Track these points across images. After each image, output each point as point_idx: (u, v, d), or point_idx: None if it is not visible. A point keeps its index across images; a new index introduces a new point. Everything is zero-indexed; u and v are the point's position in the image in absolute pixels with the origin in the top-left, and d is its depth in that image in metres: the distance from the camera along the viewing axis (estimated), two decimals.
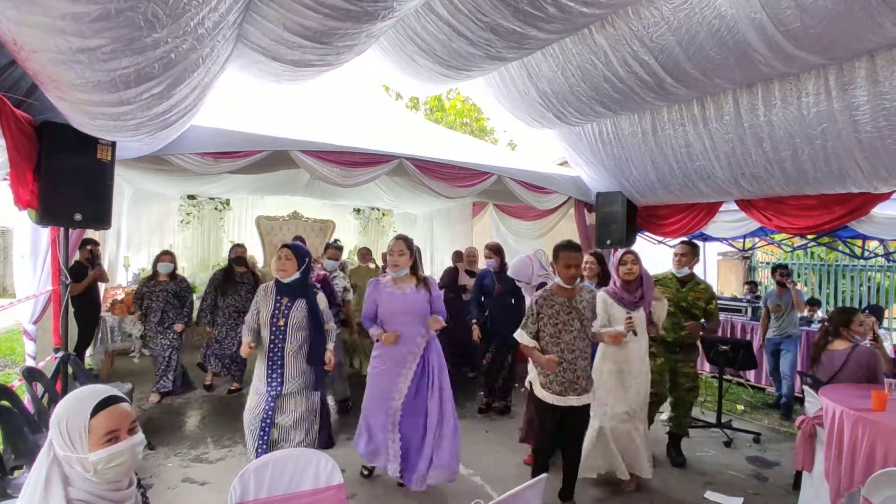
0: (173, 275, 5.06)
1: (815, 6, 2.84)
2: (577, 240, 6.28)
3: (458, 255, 6.34)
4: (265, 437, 3.00)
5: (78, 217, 3.37)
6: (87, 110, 2.70)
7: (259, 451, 2.98)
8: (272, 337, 3.02)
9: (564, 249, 2.94)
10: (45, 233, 3.67)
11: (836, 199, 4.19)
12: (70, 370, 3.59)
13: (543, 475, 1.80)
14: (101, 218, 3.55)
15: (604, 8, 3.44)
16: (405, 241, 3.40)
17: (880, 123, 3.37)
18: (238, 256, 5.32)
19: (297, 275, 3.08)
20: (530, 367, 3.09)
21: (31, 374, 3.25)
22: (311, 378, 3.13)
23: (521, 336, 2.98)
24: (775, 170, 4.19)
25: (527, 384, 3.09)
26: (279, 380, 3.01)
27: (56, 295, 3.72)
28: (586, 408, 3.01)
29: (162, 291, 4.92)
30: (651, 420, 3.90)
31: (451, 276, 6.00)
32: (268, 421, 3.00)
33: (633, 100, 4.36)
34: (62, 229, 3.52)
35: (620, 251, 3.54)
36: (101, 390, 1.35)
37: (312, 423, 3.17)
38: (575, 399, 2.91)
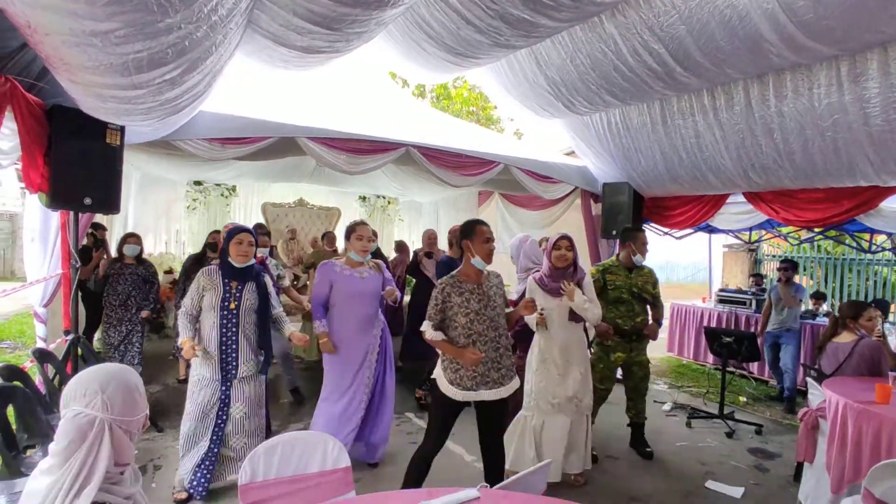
0: (140, 259, 4.86)
1: None
2: (582, 230, 6.33)
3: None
4: (220, 432, 2.97)
5: (87, 201, 3.39)
6: (98, 93, 2.70)
7: (213, 447, 2.95)
8: (223, 321, 2.96)
9: (479, 224, 2.69)
10: (55, 216, 3.70)
11: (844, 192, 4.17)
12: (80, 352, 3.64)
13: (548, 460, 1.82)
14: (110, 202, 3.57)
15: None
16: (369, 225, 3.59)
17: (891, 116, 3.34)
18: (213, 242, 5.21)
19: (252, 259, 3.10)
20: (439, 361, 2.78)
21: (42, 356, 3.29)
22: (261, 361, 3.12)
23: (427, 329, 2.65)
24: (785, 162, 4.17)
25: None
26: (234, 364, 2.98)
27: (66, 278, 3.76)
28: (504, 402, 2.71)
29: (131, 275, 4.68)
30: (594, 415, 3.78)
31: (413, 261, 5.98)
32: (224, 410, 2.98)
33: (643, 89, 4.34)
34: (72, 213, 3.55)
35: (555, 236, 3.35)
36: (113, 364, 1.40)
37: (262, 409, 3.17)
38: (487, 393, 2.61)
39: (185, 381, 4.95)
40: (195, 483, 2.93)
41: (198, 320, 3.01)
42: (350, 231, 3.48)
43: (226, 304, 2.97)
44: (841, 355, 3.28)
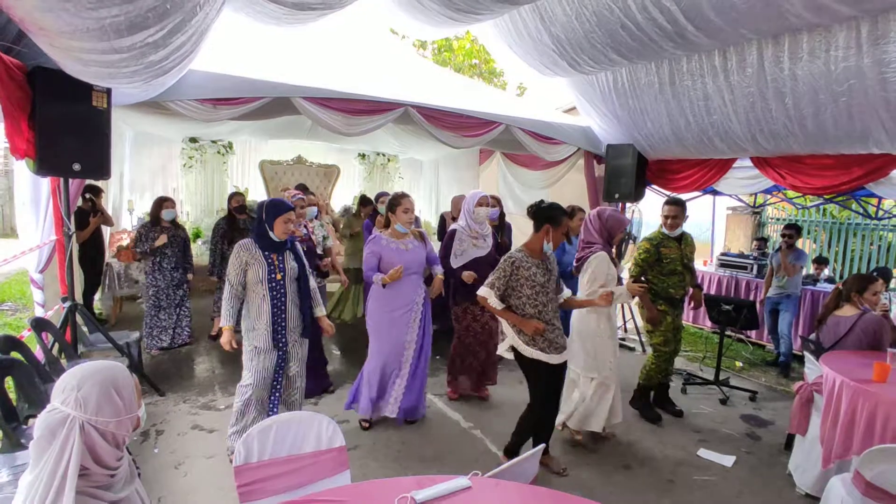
0: (175, 222, 4.99)
1: None
2: (584, 191, 6.23)
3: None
4: (278, 394, 3.15)
5: (76, 167, 3.30)
6: (79, 57, 2.58)
7: (273, 409, 3.10)
8: (273, 293, 3.03)
9: (565, 216, 2.94)
10: (45, 181, 3.62)
11: (855, 159, 4.04)
12: (80, 319, 3.65)
13: (541, 445, 1.83)
14: (100, 167, 3.47)
15: None
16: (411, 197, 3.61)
17: None
18: (240, 205, 5.27)
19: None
20: (506, 329, 3.01)
21: (39, 325, 3.29)
22: (305, 325, 3.20)
23: (490, 296, 2.90)
24: (795, 127, 4.03)
25: (504, 351, 3.03)
26: (283, 331, 3.09)
27: (60, 244, 3.72)
28: (563, 366, 3.04)
29: (175, 238, 4.85)
30: (670, 375, 4.12)
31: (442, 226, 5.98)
32: (280, 374, 3.13)
33: (651, 48, 4.15)
34: (62, 179, 3.47)
35: (622, 217, 3.54)
36: (106, 361, 1.38)
37: (304, 368, 3.32)
38: (556, 357, 2.91)
39: (217, 337, 5.14)
40: None
41: (242, 298, 3.04)
42: (395, 204, 3.53)
43: (273, 276, 3.03)
44: (842, 329, 3.25)
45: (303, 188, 5.25)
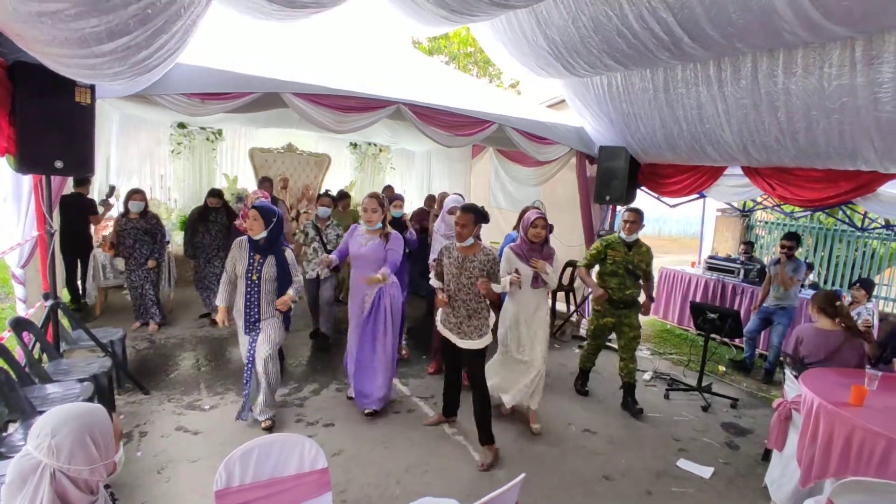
0: (144, 213, 5.13)
1: None
2: (576, 191, 6.22)
3: (430, 199, 6.50)
4: (249, 374, 3.53)
5: (59, 164, 3.25)
6: (58, 61, 2.51)
7: (246, 384, 3.54)
8: (248, 289, 3.41)
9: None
10: (27, 176, 3.55)
11: (843, 173, 4.08)
12: (61, 316, 3.60)
13: (522, 475, 1.84)
14: (83, 164, 3.42)
15: None
16: (377, 199, 3.84)
17: None
18: (211, 206, 5.49)
19: (264, 233, 3.37)
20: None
21: (19, 325, 3.24)
22: (280, 317, 3.52)
23: (433, 279, 3.49)
24: (787, 140, 4.04)
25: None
26: (256, 324, 3.46)
27: (42, 241, 3.66)
28: (472, 353, 3.31)
29: (133, 229, 5.04)
30: (592, 365, 4.56)
31: (419, 218, 6.28)
32: (250, 359, 3.50)
33: (647, 57, 4.12)
34: (43, 176, 3.40)
35: (534, 215, 3.68)
36: (86, 404, 1.36)
37: (278, 355, 3.64)
38: (456, 338, 3.33)
39: (205, 315, 5.64)
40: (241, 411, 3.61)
41: (234, 284, 3.50)
42: (364, 205, 3.86)
43: (249, 275, 3.40)
44: (821, 342, 3.30)
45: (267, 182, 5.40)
